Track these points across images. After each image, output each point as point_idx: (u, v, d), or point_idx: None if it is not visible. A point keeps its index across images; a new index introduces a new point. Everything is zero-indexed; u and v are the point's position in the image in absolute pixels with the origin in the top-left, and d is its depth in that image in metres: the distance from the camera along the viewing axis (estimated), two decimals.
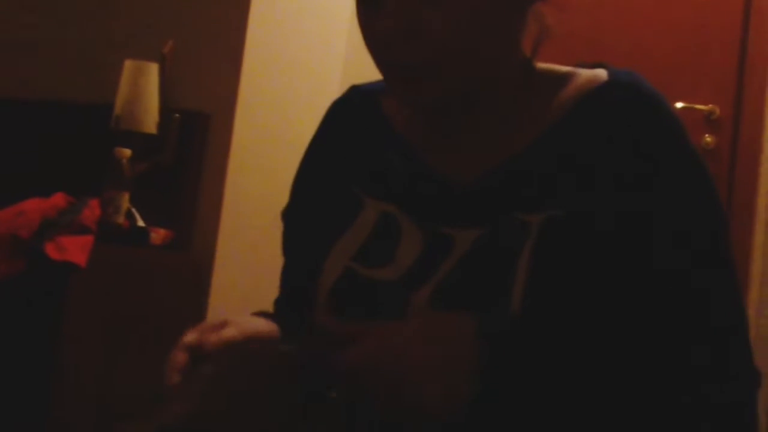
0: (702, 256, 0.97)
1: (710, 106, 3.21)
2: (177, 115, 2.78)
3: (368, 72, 1.12)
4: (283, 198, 1.20)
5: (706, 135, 3.20)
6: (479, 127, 1.04)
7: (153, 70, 2.72)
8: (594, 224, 0.96)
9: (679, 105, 3.17)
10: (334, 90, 2.99)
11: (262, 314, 1.11)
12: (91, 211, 2.48)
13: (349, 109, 1.16)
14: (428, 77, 0.98)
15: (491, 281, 0.95)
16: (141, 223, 2.66)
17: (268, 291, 1.22)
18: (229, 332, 0.98)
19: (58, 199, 2.52)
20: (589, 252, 0.95)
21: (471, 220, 1.00)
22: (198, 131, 2.83)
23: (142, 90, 2.70)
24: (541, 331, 0.93)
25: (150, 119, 2.70)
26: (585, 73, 1.05)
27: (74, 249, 2.36)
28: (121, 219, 2.57)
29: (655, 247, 0.96)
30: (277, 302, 1.19)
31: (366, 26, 1.01)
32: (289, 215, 1.18)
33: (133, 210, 2.64)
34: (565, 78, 1.05)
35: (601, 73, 1.04)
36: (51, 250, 2.33)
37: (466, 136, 1.05)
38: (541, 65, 1.07)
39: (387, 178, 1.07)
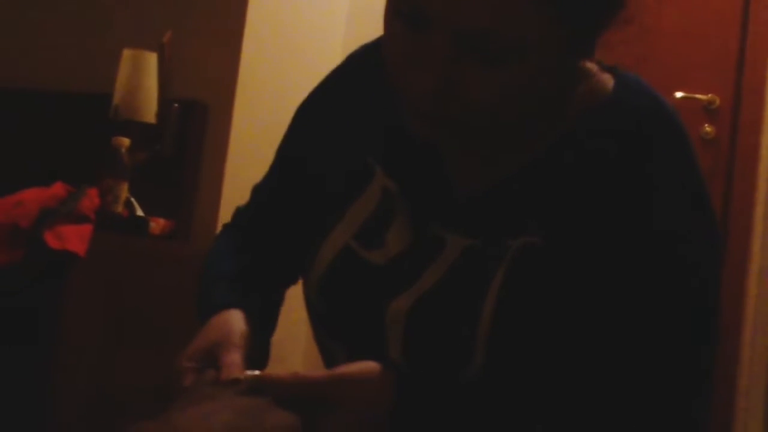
0: (682, 300, 0.93)
1: (710, 95, 3.20)
2: (176, 104, 2.78)
3: None
4: None
5: (706, 125, 3.19)
6: (496, 134, 0.99)
7: (152, 59, 2.72)
8: (572, 256, 0.93)
9: (678, 95, 3.17)
10: None
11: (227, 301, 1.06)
12: (90, 200, 2.48)
13: (375, 64, 1.04)
14: (452, 127, 0.93)
15: (466, 302, 0.94)
16: (140, 212, 2.66)
17: None
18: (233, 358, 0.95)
19: (57, 188, 2.51)
20: (561, 283, 0.92)
21: (465, 229, 0.98)
22: (197, 121, 2.83)
23: (141, 79, 2.70)
24: (494, 394, 0.92)
25: (149, 109, 2.70)
26: (594, 80, 0.99)
27: (73, 238, 2.36)
28: (120, 208, 2.57)
29: (634, 285, 0.93)
30: (240, 213, 1.20)
31: (399, 51, 0.91)
32: (288, 146, 1.14)
33: (132, 199, 2.64)
34: (578, 78, 0.99)
35: (608, 84, 0.98)
36: (50, 238, 2.33)
37: (482, 141, 1.00)
38: None
39: (397, 155, 1.03)
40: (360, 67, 1.09)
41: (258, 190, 1.19)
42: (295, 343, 3.14)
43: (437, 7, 0.86)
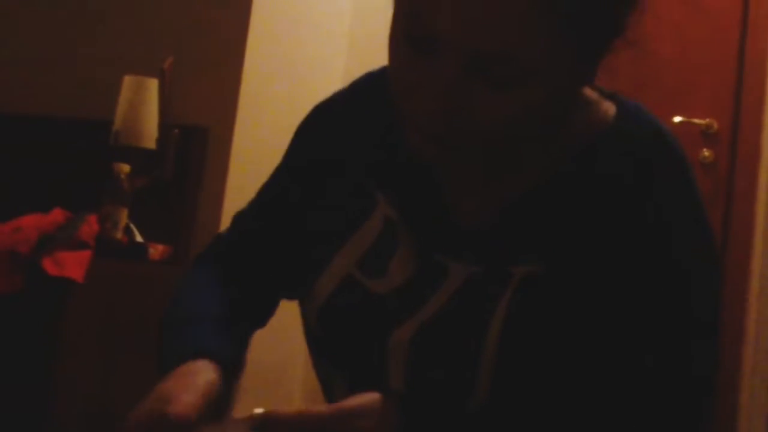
0: (683, 323, 0.93)
1: (708, 120, 3.21)
2: (176, 130, 2.79)
3: None
4: None
5: (704, 149, 3.20)
6: (499, 158, 0.98)
7: (152, 85, 2.73)
8: (574, 284, 0.93)
9: (676, 119, 3.18)
10: None
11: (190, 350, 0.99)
12: (90, 226, 2.48)
13: (379, 92, 1.04)
14: (458, 150, 0.92)
15: (469, 330, 0.93)
16: (139, 238, 2.66)
17: None
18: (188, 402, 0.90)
19: (57, 214, 2.52)
20: (564, 312, 0.92)
21: (468, 257, 0.97)
22: (197, 146, 2.83)
23: (142, 105, 2.71)
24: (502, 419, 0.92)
25: (149, 134, 2.71)
26: (595, 107, 0.99)
27: (72, 264, 2.36)
28: (119, 234, 2.57)
29: (636, 308, 0.93)
30: (219, 242, 1.15)
31: (406, 74, 0.90)
32: (287, 165, 1.12)
33: (132, 225, 2.64)
34: (579, 105, 0.98)
35: (609, 111, 0.99)
36: (49, 265, 2.33)
37: (485, 166, 0.99)
38: None
39: (398, 183, 1.02)
40: (363, 94, 1.09)
41: (242, 218, 1.16)
42: (294, 364, 3.13)
43: (449, 29, 0.86)
